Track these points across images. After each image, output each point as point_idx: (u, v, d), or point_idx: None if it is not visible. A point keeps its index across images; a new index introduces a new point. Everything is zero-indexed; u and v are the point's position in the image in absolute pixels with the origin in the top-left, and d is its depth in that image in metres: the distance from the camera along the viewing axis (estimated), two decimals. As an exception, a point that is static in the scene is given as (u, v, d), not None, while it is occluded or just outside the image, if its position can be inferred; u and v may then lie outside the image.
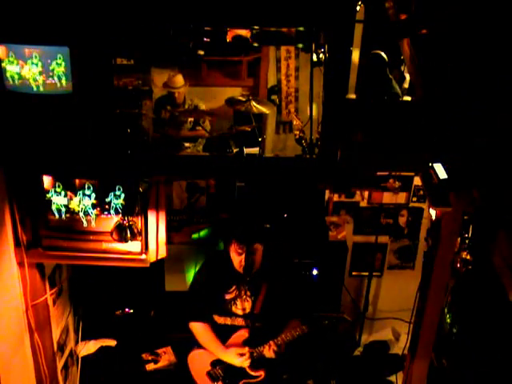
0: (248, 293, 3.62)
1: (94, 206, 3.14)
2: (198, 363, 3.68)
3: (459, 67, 2.77)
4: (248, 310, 3.62)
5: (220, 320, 3.65)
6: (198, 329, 3.65)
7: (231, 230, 3.65)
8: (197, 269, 4.00)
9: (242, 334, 3.60)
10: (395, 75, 4.99)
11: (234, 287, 3.62)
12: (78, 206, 3.15)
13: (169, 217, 3.80)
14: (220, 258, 3.70)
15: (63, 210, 3.17)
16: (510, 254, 2.54)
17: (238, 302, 3.62)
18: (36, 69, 2.65)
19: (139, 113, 4.61)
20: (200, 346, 3.66)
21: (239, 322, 3.63)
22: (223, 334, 3.63)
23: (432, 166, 2.76)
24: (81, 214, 3.16)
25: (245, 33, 4.22)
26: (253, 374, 3.55)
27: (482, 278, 3.25)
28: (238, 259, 3.50)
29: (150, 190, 3.20)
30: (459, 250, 3.34)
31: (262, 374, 3.56)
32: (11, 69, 2.65)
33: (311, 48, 3.42)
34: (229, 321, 3.65)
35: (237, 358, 3.52)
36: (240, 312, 3.63)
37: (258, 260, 3.55)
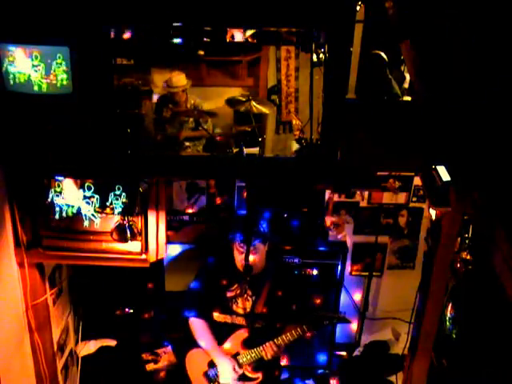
0: (249, 292, 3.62)
1: (94, 206, 3.14)
2: (196, 363, 3.68)
3: (459, 67, 2.77)
4: (249, 310, 3.62)
5: (220, 318, 3.65)
6: (197, 325, 3.64)
7: (234, 227, 3.65)
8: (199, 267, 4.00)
9: (242, 334, 3.59)
10: (395, 75, 4.98)
11: (235, 285, 3.62)
12: (78, 205, 3.16)
13: (169, 217, 3.80)
14: (222, 256, 3.69)
15: (63, 210, 3.17)
16: (510, 253, 2.54)
17: (239, 301, 3.62)
18: (36, 69, 2.65)
19: (139, 113, 4.61)
20: (199, 346, 3.66)
21: (239, 320, 3.63)
22: (222, 333, 3.62)
23: (435, 168, 2.75)
24: (81, 214, 3.17)
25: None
26: (251, 375, 3.55)
27: (481, 277, 3.25)
28: (240, 257, 3.50)
29: (149, 189, 3.20)
30: (459, 250, 3.34)
31: (259, 376, 3.55)
32: (12, 69, 2.66)
33: (311, 48, 3.42)
34: (229, 319, 3.64)
35: (229, 367, 3.49)
36: (241, 311, 3.63)
37: (260, 260, 3.55)
